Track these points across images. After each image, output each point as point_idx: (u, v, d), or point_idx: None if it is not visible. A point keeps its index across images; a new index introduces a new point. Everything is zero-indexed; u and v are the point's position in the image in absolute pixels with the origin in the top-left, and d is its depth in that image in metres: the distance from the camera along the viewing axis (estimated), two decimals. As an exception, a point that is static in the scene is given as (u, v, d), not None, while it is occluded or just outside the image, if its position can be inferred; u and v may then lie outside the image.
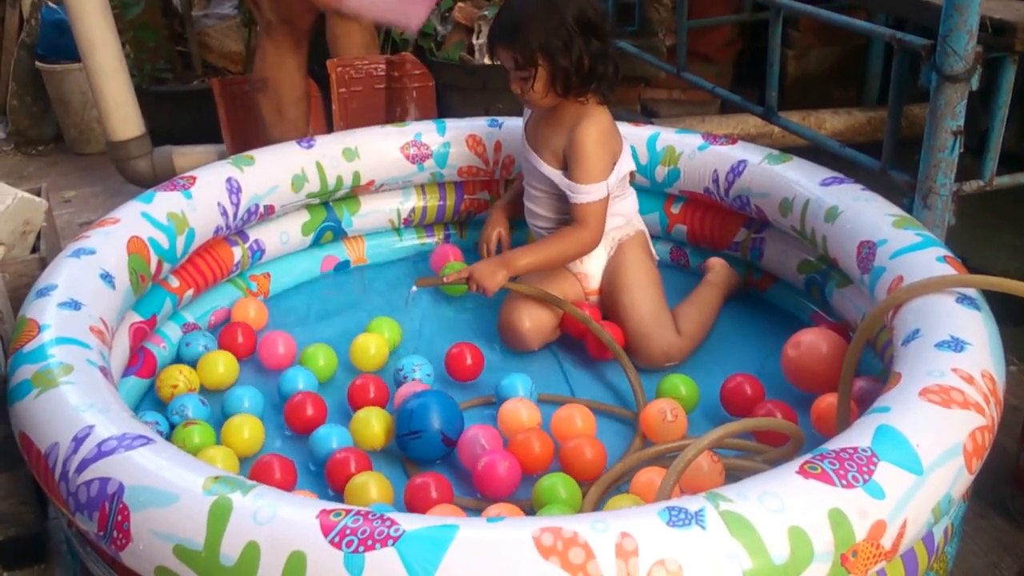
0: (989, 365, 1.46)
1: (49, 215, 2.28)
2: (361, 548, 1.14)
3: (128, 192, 2.91)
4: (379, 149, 2.48)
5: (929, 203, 2.02)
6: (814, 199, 2.05)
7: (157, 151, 3.24)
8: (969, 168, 2.08)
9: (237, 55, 3.98)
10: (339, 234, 2.55)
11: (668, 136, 2.42)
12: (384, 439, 1.83)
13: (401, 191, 2.58)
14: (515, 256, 2.13)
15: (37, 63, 3.96)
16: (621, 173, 2.15)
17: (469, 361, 2.05)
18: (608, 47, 2.06)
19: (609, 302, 2.19)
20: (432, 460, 1.81)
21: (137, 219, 2.03)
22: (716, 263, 2.33)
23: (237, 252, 2.33)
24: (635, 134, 2.43)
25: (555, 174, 2.14)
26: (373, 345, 2.11)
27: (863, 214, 1.93)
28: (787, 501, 1.19)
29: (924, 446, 1.28)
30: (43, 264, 1.98)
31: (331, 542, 1.15)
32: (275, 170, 2.34)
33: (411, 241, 2.65)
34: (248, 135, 3.24)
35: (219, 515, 1.21)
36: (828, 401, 1.79)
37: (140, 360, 2.03)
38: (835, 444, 1.29)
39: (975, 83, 1.92)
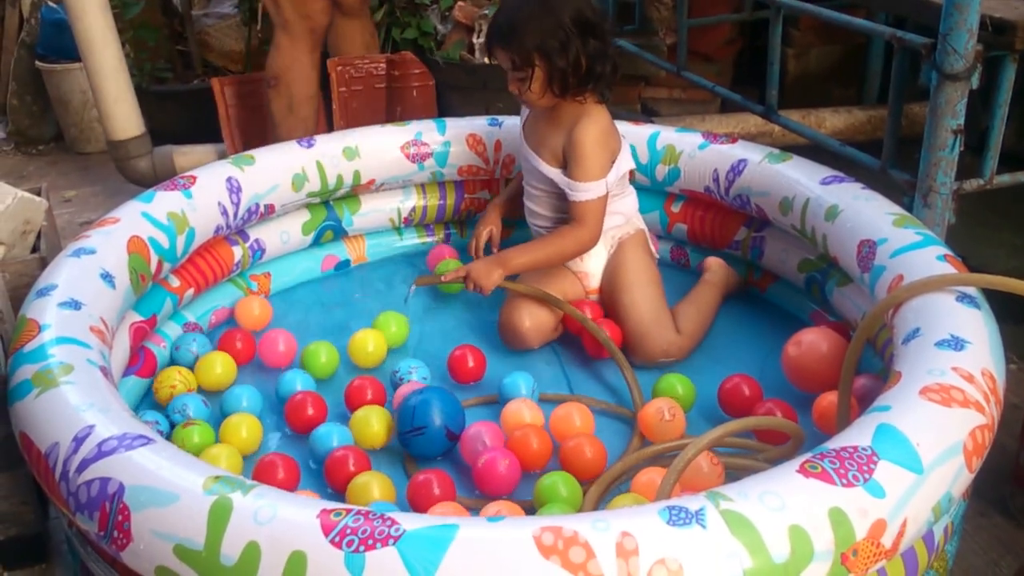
0: (989, 364, 1.46)
1: (49, 215, 2.28)
2: (362, 548, 1.14)
3: (128, 192, 2.91)
4: (379, 148, 2.48)
5: (929, 202, 2.02)
6: (814, 198, 2.05)
7: (157, 150, 3.24)
8: (969, 167, 2.08)
9: (237, 54, 3.98)
10: (339, 233, 2.55)
11: (668, 135, 2.42)
12: (384, 438, 1.83)
13: (401, 190, 2.58)
14: (512, 255, 2.13)
15: (37, 62, 3.96)
16: (620, 172, 2.15)
17: (471, 363, 2.05)
18: (606, 46, 2.05)
19: (609, 300, 2.20)
20: (436, 456, 1.81)
21: (137, 219, 2.03)
22: (713, 263, 2.33)
23: (237, 251, 2.33)
24: (635, 133, 2.43)
25: (554, 173, 2.14)
26: (372, 342, 2.11)
27: (863, 213, 1.93)
28: (787, 500, 1.19)
29: (924, 445, 1.28)
30: (43, 264, 1.98)
31: (332, 542, 1.15)
32: (275, 169, 2.34)
33: (411, 240, 2.65)
34: (251, 134, 3.25)
35: (219, 515, 1.21)
36: (830, 399, 1.79)
37: (140, 360, 2.03)
38: (835, 443, 1.29)
39: (975, 82, 1.92)
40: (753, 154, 2.26)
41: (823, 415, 1.80)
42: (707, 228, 2.41)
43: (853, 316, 2.01)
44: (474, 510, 1.63)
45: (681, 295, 2.23)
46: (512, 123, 2.49)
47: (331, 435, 1.81)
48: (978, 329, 1.53)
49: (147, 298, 2.07)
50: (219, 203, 2.20)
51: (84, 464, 1.33)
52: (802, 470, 1.24)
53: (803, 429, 1.61)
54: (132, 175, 3.23)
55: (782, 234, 2.25)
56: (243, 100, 3.27)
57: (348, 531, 1.16)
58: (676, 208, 2.45)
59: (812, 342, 1.93)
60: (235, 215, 2.24)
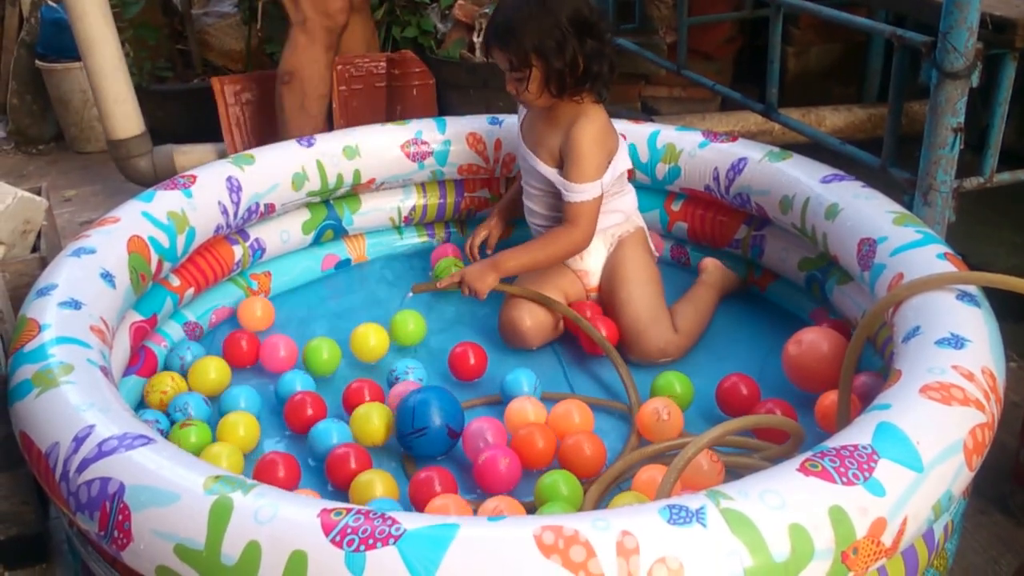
0: (989, 362, 1.46)
1: (49, 214, 2.28)
2: (362, 547, 1.14)
3: (128, 191, 2.91)
4: (380, 147, 2.48)
5: (929, 200, 2.02)
6: (814, 196, 2.05)
7: (157, 150, 3.24)
8: (969, 165, 2.08)
9: (237, 53, 3.98)
10: (340, 232, 2.55)
11: (668, 134, 2.42)
12: (384, 435, 1.83)
13: (402, 189, 2.59)
14: (505, 258, 2.14)
15: (37, 62, 3.96)
16: (617, 171, 2.15)
17: (473, 360, 2.05)
18: (604, 46, 2.05)
19: (608, 298, 2.20)
20: (439, 455, 1.81)
21: (137, 218, 2.03)
22: (709, 263, 2.32)
23: (238, 251, 2.33)
24: (636, 132, 2.43)
25: (551, 172, 2.14)
26: (373, 336, 2.10)
27: (863, 211, 1.93)
28: (788, 499, 1.19)
29: (924, 443, 1.28)
30: (43, 263, 1.98)
31: (332, 541, 1.15)
32: (275, 168, 2.34)
33: (412, 239, 2.65)
34: (252, 133, 3.25)
35: (220, 514, 1.21)
36: (831, 398, 1.79)
37: (141, 359, 2.03)
38: (835, 441, 1.29)
39: (975, 80, 1.91)
40: (753, 152, 2.25)
41: (825, 415, 1.80)
42: (707, 227, 2.41)
43: (853, 314, 2.01)
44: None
45: (681, 294, 2.23)
46: (512, 122, 2.49)
47: (330, 432, 1.81)
48: (978, 327, 1.53)
49: (147, 297, 2.07)
50: (219, 202, 2.20)
51: (84, 464, 1.33)
52: (802, 469, 1.24)
53: (803, 428, 1.61)
54: (132, 174, 3.23)
55: (782, 233, 2.25)
56: (254, 97, 3.27)
57: (349, 530, 1.16)
58: (676, 207, 2.45)
59: (812, 342, 1.92)
60: (235, 214, 2.24)
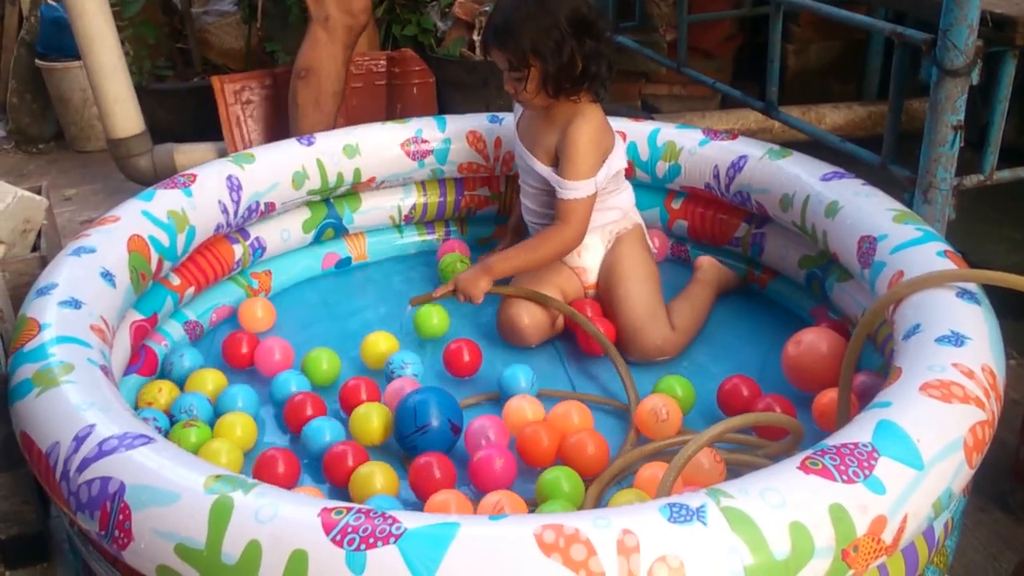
0: (989, 359, 1.46)
1: (49, 213, 2.28)
2: (363, 546, 1.14)
3: (128, 190, 2.91)
4: (380, 146, 2.48)
5: (929, 198, 2.02)
6: (814, 194, 2.05)
7: (157, 149, 3.25)
8: (969, 162, 2.08)
9: (237, 52, 3.98)
10: (340, 231, 2.55)
11: (669, 132, 2.42)
12: (382, 435, 1.83)
13: (402, 188, 2.59)
14: (496, 261, 2.14)
15: (37, 61, 3.96)
16: (612, 170, 2.15)
17: (467, 357, 2.05)
18: (602, 46, 2.05)
19: (605, 295, 2.20)
20: (442, 452, 1.81)
21: (138, 217, 2.03)
22: (705, 261, 2.32)
23: (238, 250, 2.33)
24: (636, 130, 2.43)
25: (546, 171, 2.14)
26: (383, 343, 2.09)
27: (863, 209, 1.93)
28: (788, 496, 1.19)
29: (925, 441, 1.28)
30: (43, 263, 1.98)
31: (333, 540, 1.15)
32: (276, 167, 2.34)
33: (412, 238, 2.65)
34: (252, 131, 3.25)
35: (220, 514, 1.21)
36: (830, 397, 1.78)
37: (141, 358, 2.03)
38: (836, 439, 1.29)
39: (975, 77, 1.91)
40: (753, 150, 2.25)
41: (824, 414, 1.80)
42: (707, 225, 2.41)
43: (853, 312, 2.01)
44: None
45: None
46: (512, 120, 2.49)
47: (323, 430, 1.81)
48: (978, 325, 1.53)
49: (148, 297, 2.07)
50: (219, 201, 2.20)
51: (85, 463, 1.33)
52: (803, 467, 1.23)
53: (802, 425, 1.61)
54: (132, 173, 3.23)
55: (782, 230, 2.25)
56: (243, 98, 3.27)
57: (349, 529, 1.16)
58: (676, 205, 2.45)
59: (812, 342, 1.92)
60: (235, 213, 2.24)
